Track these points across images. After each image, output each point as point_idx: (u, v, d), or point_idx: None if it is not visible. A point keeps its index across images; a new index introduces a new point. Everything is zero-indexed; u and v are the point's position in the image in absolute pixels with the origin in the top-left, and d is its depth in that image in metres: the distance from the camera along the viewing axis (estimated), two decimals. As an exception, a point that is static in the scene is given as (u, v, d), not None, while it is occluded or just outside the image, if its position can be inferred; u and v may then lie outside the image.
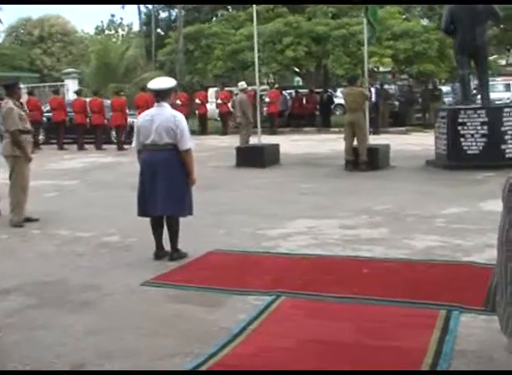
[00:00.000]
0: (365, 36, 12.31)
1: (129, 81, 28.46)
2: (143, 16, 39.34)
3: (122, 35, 63.50)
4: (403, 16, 25.42)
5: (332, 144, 16.10)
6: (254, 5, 12.80)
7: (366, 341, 3.92)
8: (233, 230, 7.20)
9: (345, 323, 4.24)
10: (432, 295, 4.69)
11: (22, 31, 57.04)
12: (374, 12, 12.10)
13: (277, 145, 13.63)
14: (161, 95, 5.88)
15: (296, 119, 24.59)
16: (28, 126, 7.94)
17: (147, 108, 6.33)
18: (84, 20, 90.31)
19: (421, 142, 16.14)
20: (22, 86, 27.49)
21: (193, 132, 21.37)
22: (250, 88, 16.57)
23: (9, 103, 7.78)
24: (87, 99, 18.83)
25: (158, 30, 31.25)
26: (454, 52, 12.73)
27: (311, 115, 24.45)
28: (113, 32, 67.64)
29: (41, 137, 19.31)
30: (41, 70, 48.09)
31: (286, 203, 8.87)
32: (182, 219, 6.11)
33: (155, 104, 5.97)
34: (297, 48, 22.68)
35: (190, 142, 5.87)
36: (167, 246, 6.12)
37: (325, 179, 11.05)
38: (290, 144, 17.81)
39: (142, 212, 6.04)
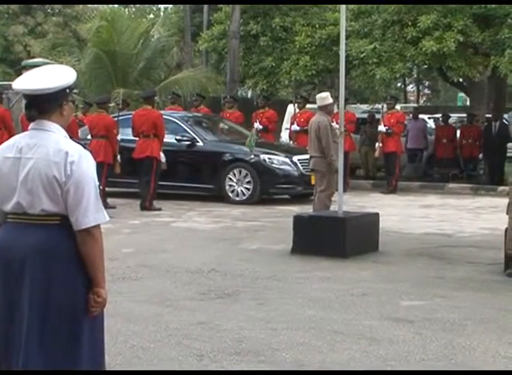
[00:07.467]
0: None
1: (153, 84, 28.17)
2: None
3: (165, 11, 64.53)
4: None
5: (493, 218, 15.51)
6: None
7: None
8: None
9: None
10: None
11: (-7, -7, 58.79)
12: None
13: (375, 215, 12.97)
14: (40, 105, 4.72)
15: (441, 166, 24.70)
16: None
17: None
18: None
19: None
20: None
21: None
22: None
23: None
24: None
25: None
26: None
27: (468, 160, 24.59)
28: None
29: None
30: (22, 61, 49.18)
31: (353, 339, 7.66)
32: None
33: (30, 125, 4.84)
34: (444, 35, 21.69)
35: (96, 213, 4.64)
36: None
37: (455, 290, 9.96)
38: (414, 212, 17.63)
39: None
